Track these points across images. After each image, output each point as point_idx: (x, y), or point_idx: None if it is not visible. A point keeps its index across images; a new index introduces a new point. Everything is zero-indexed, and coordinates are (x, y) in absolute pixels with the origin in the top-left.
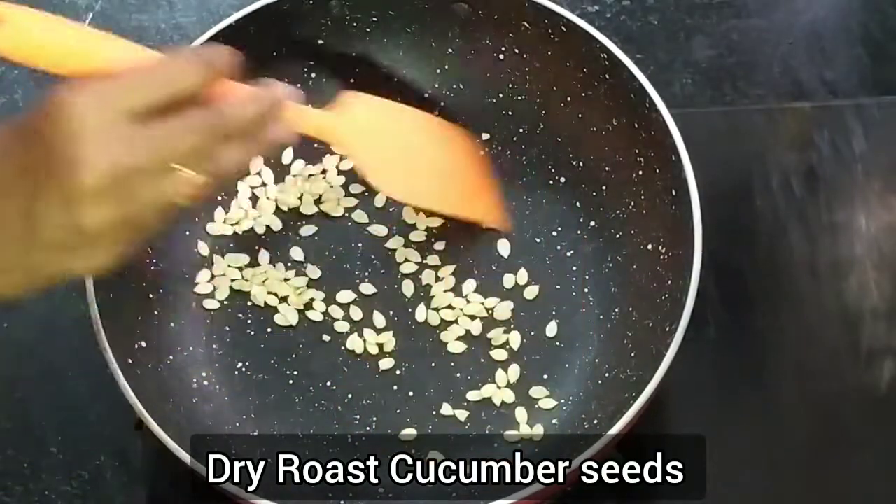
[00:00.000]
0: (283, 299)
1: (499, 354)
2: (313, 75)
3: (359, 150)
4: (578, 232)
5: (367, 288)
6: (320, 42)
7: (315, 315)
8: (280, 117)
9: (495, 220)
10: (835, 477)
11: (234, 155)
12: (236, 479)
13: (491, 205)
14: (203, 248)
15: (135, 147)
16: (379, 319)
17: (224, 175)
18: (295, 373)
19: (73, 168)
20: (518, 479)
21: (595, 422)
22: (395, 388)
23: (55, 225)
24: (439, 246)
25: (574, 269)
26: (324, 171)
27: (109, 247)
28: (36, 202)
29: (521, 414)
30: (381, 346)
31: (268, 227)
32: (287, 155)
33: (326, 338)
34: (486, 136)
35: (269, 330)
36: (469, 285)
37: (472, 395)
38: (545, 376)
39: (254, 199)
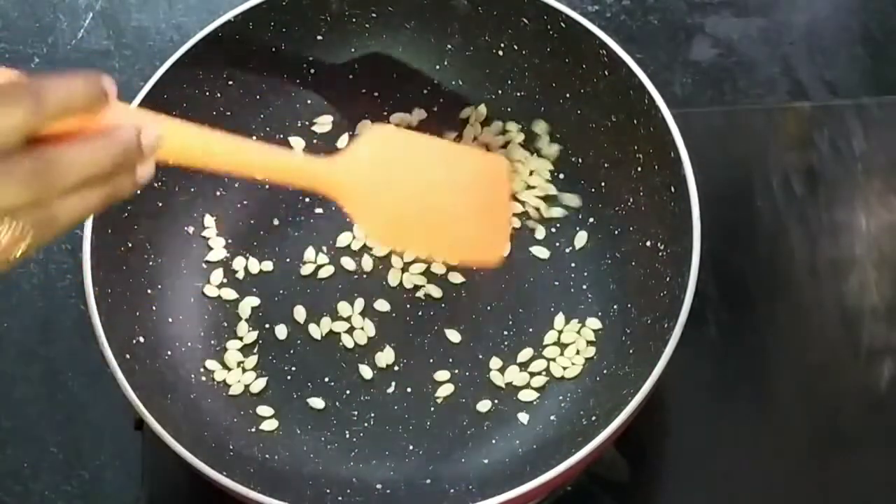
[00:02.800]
0: None
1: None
2: (312, 71)
3: (357, 207)
4: (577, 228)
5: (365, 284)
6: (319, 38)
7: (311, 314)
8: (141, 160)
9: (499, 258)
10: (835, 477)
11: (74, 209)
12: (235, 476)
13: (500, 242)
14: (201, 245)
15: (11, 174)
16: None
17: (61, 229)
18: (293, 369)
19: None
20: (516, 476)
21: (593, 418)
22: (394, 383)
23: None
24: None
25: (573, 265)
26: None
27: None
28: None
29: (518, 410)
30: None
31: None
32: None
33: (326, 334)
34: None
35: (266, 326)
36: None
37: (471, 392)
38: (543, 373)
39: None
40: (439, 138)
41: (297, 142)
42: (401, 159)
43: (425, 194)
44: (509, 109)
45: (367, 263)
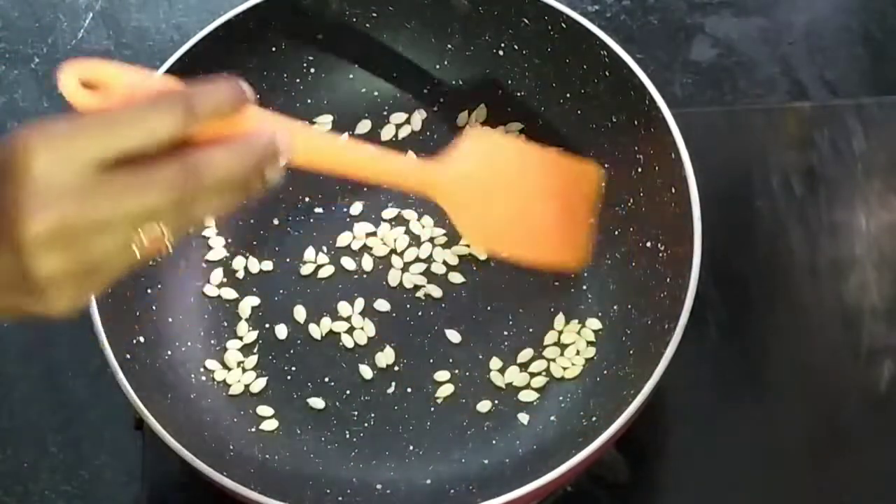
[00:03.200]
0: None
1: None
2: (312, 71)
3: (459, 209)
4: None
5: (364, 284)
6: (319, 38)
7: (311, 314)
8: (274, 164)
9: (581, 262)
10: (835, 477)
11: (210, 209)
12: (235, 476)
13: (584, 247)
14: (201, 244)
15: (89, 200)
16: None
17: (195, 228)
18: (293, 369)
19: (18, 217)
20: (516, 476)
21: (594, 419)
22: (394, 383)
23: (4, 268)
24: (439, 242)
25: None
26: None
27: (67, 293)
28: None
29: (519, 411)
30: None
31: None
32: None
33: (326, 334)
34: None
35: (266, 326)
36: None
37: (471, 393)
38: (543, 373)
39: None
40: (535, 145)
41: None
42: (499, 164)
43: (519, 199)
44: (509, 109)
45: (367, 263)
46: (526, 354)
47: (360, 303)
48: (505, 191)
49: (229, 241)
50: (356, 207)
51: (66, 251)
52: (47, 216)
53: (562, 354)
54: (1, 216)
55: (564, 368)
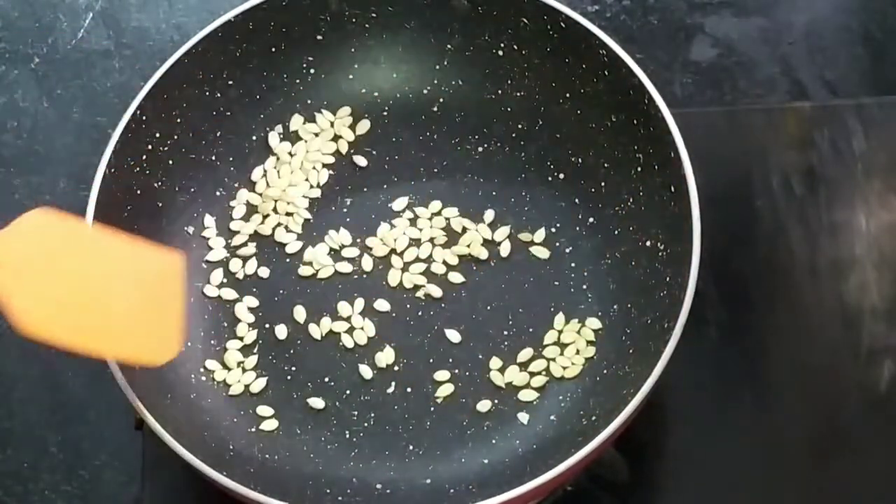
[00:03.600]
0: None
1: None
2: (312, 71)
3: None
4: (577, 228)
5: (364, 284)
6: (319, 38)
7: (311, 314)
8: None
9: (167, 356)
10: (835, 477)
11: None
12: (235, 476)
13: (170, 340)
14: (201, 245)
15: None
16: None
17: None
18: (293, 368)
19: None
20: (516, 476)
21: (593, 418)
22: (394, 384)
23: None
24: (439, 242)
25: (573, 265)
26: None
27: None
28: None
29: (518, 410)
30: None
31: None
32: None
33: (326, 334)
34: (485, 131)
35: (266, 326)
36: None
37: (471, 392)
38: (543, 373)
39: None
40: (106, 232)
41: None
42: (64, 248)
43: (89, 286)
44: (509, 109)
45: (367, 263)
46: (526, 354)
47: (360, 303)
48: (71, 276)
49: (229, 241)
50: (355, 208)
51: None
52: None
53: (561, 354)
54: None
55: (564, 368)
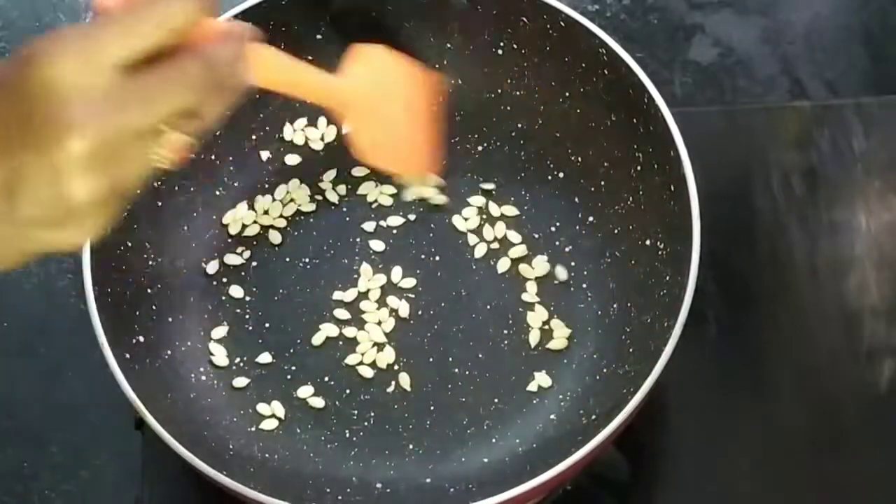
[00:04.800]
0: None
1: None
2: None
3: (359, 119)
4: (577, 227)
5: (363, 284)
6: (318, 37)
7: (310, 313)
8: (245, 58)
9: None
10: (835, 477)
11: (218, 107)
12: (235, 476)
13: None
14: (201, 244)
15: (125, 104)
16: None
17: (206, 132)
18: (293, 368)
19: (60, 133)
20: (516, 475)
21: (593, 417)
22: (393, 383)
23: (39, 200)
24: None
25: (573, 264)
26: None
27: (94, 219)
28: (15, 176)
29: (518, 409)
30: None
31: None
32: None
33: (324, 333)
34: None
35: (266, 325)
36: None
37: (471, 392)
38: (543, 372)
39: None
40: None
41: (297, 140)
42: (388, 81)
43: (399, 113)
44: (509, 108)
45: (367, 263)
46: (525, 353)
47: (360, 303)
48: (392, 107)
49: (228, 240)
50: (355, 207)
51: (104, 167)
52: (89, 129)
53: (561, 353)
54: (33, 139)
55: (564, 367)
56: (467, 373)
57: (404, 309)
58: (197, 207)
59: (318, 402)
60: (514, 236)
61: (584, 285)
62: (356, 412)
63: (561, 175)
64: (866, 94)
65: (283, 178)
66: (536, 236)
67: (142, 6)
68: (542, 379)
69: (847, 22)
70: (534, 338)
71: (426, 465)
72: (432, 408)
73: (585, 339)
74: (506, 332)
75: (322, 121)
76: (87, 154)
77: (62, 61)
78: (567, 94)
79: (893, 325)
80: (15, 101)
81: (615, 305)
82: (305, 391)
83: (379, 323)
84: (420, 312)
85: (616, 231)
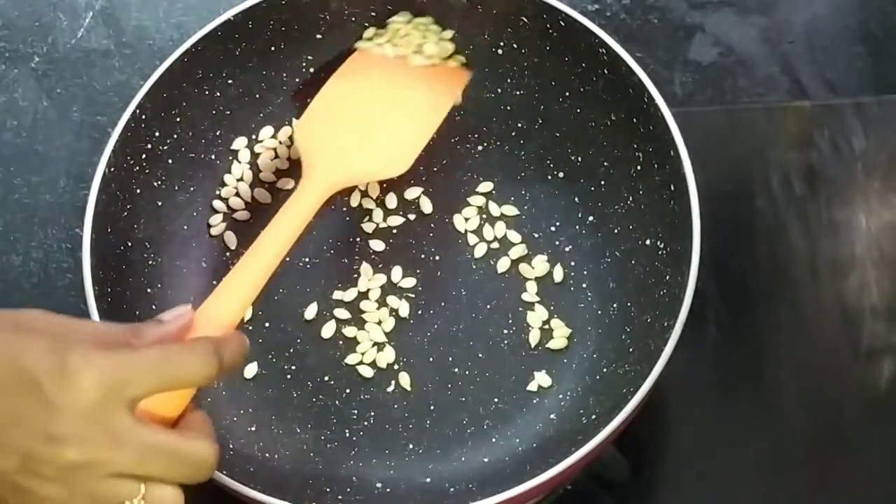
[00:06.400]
0: None
1: None
2: (311, 70)
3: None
4: (577, 227)
5: (363, 284)
6: (318, 37)
7: (310, 312)
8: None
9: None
10: (835, 477)
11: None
12: (235, 475)
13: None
14: (201, 244)
15: (117, 450)
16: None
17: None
18: (293, 367)
19: (49, 444)
20: (516, 474)
21: (593, 417)
22: (393, 383)
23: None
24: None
25: (572, 264)
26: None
27: None
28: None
29: (518, 409)
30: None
31: None
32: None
33: (324, 333)
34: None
35: (266, 325)
36: None
37: (471, 392)
38: (543, 372)
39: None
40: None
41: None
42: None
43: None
44: (509, 108)
45: (366, 263)
46: (525, 353)
47: (357, 302)
48: (382, 110)
49: (227, 240)
50: (355, 207)
51: (75, 486)
52: (76, 454)
53: (561, 353)
54: (32, 434)
55: (564, 367)
56: (467, 373)
57: (404, 309)
58: (197, 207)
59: (316, 402)
60: (513, 236)
61: (584, 285)
62: (356, 412)
63: (561, 175)
64: (866, 94)
65: (283, 178)
66: (536, 236)
67: (174, 354)
68: (542, 378)
69: (847, 22)
70: (534, 337)
71: (426, 464)
72: (432, 407)
73: (585, 339)
74: (506, 331)
75: None
76: (66, 469)
77: (90, 388)
78: (567, 93)
79: (893, 325)
80: (29, 391)
81: (615, 305)
82: (305, 392)
83: (379, 323)
84: (420, 312)
85: (616, 231)
